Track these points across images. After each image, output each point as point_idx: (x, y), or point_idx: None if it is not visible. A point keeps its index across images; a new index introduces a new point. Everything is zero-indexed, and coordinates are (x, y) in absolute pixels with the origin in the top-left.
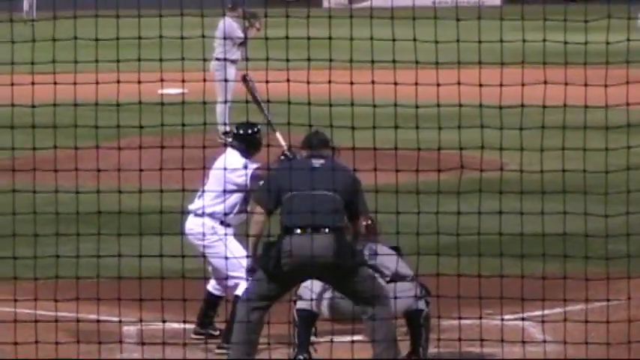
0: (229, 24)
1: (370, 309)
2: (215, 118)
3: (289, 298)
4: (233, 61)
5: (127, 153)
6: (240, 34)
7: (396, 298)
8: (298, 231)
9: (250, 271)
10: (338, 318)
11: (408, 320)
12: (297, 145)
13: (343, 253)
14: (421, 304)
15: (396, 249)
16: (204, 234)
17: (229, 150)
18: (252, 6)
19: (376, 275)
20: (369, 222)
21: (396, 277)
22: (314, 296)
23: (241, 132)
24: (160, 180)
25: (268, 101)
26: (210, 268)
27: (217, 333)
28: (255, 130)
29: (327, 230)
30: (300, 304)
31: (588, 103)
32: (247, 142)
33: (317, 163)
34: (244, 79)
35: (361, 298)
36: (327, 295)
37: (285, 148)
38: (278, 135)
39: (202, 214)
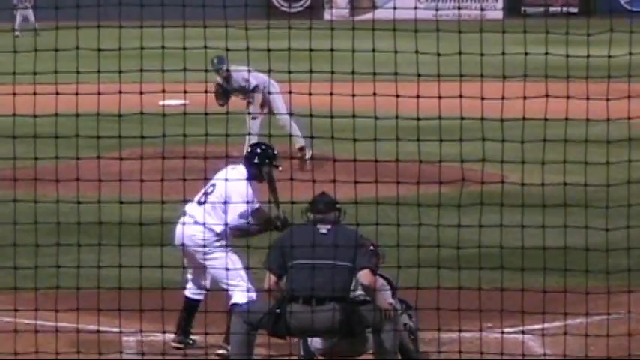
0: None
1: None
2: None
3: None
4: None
5: (128, 164)
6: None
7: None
8: (301, 301)
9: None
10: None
11: None
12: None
13: (349, 322)
14: (404, 318)
15: (389, 281)
16: (203, 240)
17: (237, 165)
18: (255, 18)
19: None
20: (371, 248)
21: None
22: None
23: (254, 160)
24: (162, 191)
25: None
26: (189, 275)
27: (192, 342)
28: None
29: (331, 302)
30: None
31: (590, 116)
32: (254, 169)
33: (324, 229)
34: (269, 180)
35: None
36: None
37: (278, 216)
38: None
39: (202, 223)
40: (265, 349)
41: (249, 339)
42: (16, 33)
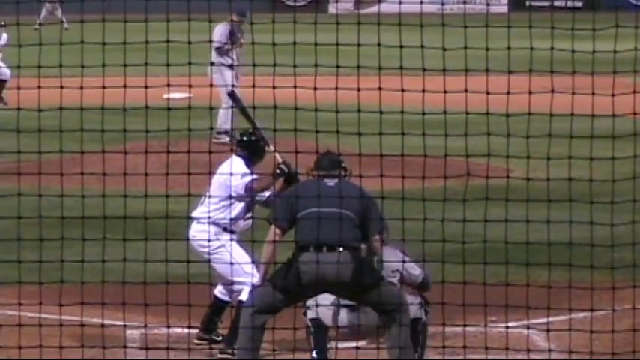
0: (218, 29)
1: (390, 318)
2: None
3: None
4: (229, 66)
5: (132, 157)
6: (224, 40)
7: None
8: (312, 249)
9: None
10: (355, 331)
11: None
12: (307, 165)
13: (360, 271)
14: (420, 312)
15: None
16: (208, 240)
17: (233, 157)
18: (259, 11)
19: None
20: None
21: (405, 276)
22: (326, 309)
23: (245, 139)
24: (166, 184)
25: (254, 107)
26: (217, 274)
27: (220, 338)
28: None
29: (341, 248)
30: (311, 314)
31: (595, 111)
32: (250, 149)
33: (330, 182)
34: (231, 96)
35: (381, 309)
36: (343, 308)
37: (280, 161)
38: (271, 148)
39: (205, 222)
40: (270, 345)
41: (257, 334)
42: (36, 26)
